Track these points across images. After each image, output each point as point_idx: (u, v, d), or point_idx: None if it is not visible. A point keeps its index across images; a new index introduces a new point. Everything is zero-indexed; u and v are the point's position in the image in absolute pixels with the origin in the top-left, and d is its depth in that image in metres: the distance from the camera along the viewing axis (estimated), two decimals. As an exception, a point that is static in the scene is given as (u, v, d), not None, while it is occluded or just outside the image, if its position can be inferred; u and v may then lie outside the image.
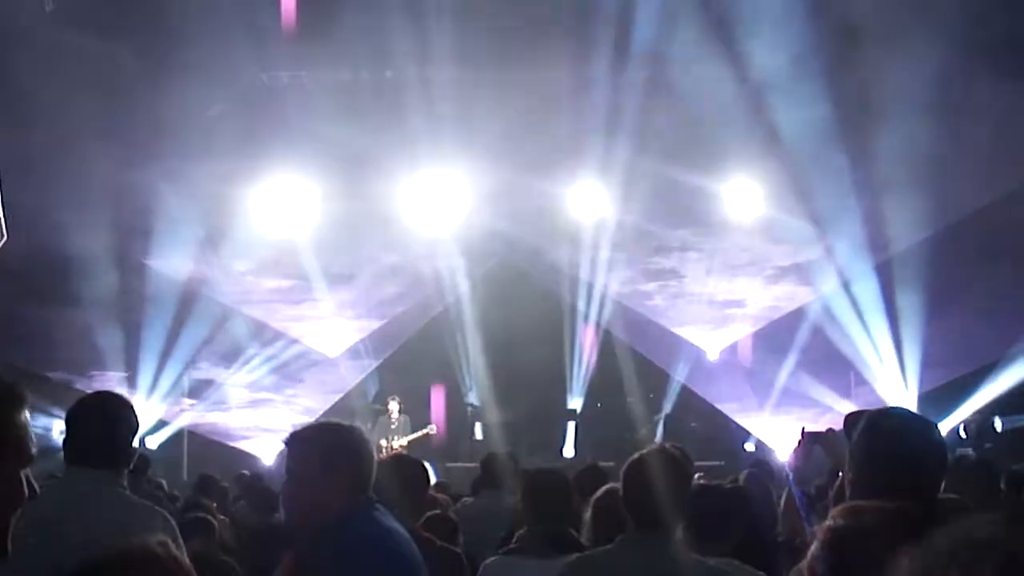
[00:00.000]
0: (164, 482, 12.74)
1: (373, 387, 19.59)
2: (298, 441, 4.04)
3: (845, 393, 17.90)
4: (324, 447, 3.99)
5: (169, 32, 14.14)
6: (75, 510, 4.11)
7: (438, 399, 19.65)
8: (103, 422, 4.44)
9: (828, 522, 2.65)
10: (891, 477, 3.18)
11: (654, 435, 17.47)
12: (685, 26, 14.61)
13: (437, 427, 17.72)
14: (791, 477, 5.96)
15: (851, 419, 3.54)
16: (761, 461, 13.84)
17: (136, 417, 4.62)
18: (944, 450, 3.45)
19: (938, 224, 16.34)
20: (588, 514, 5.34)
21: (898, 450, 3.27)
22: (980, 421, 16.81)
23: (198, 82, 14.15)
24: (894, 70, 14.63)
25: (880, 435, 3.35)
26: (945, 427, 17.10)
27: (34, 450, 2.19)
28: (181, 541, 4.35)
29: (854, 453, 3.39)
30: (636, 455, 4.31)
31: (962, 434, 16.90)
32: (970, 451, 15.34)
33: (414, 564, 3.95)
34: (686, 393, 19.11)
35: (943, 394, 17.27)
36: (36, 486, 2.20)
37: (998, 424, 16.59)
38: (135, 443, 4.67)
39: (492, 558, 5.14)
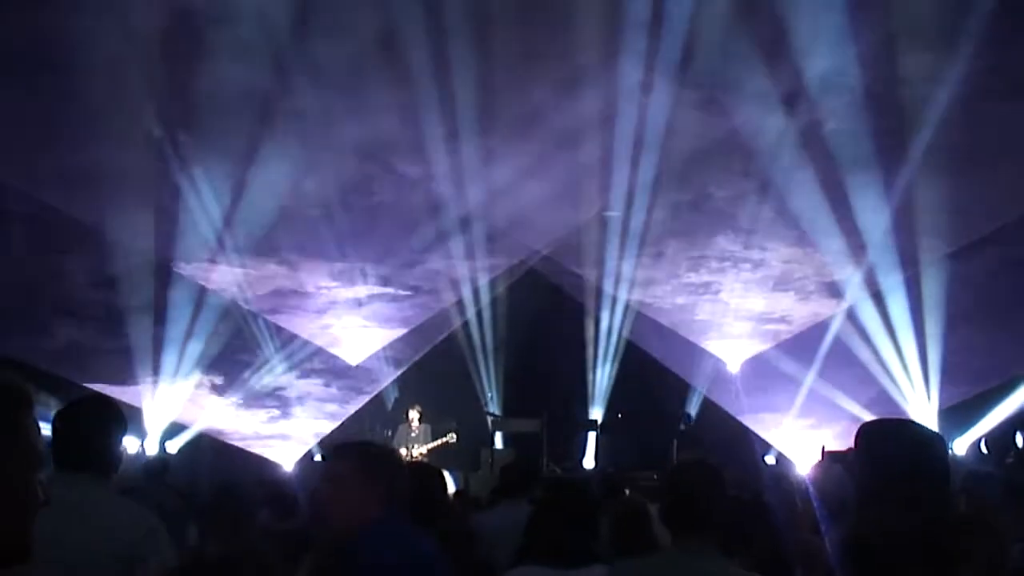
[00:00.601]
0: (182, 486, 12.79)
1: (394, 395, 19.63)
2: (341, 456, 4.41)
3: (868, 407, 17.83)
4: (364, 463, 4.29)
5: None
6: (62, 514, 4.03)
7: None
8: (89, 426, 4.47)
9: (847, 533, 2.66)
10: (893, 487, 3.18)
11: (672, 447, 17.44)
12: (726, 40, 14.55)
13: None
14: (811, 492, 5.96)
15: (860, 429, 3.54)
16: (780, 475, 13.85)
17: (123, 421, 4.63)
18: (946, 462, 3.43)
19: (962, 239, 16.37)
20: (607, 523, 5.35)
21: (898, 460, 3.27)
22: (1001, 436, 16.78)
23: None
24: (929, 85, 14.63)
25: (880, 445, 3.35)
26: (966, 442, 17.10)
27: (44, 454, 2.15)
28: (171, 544, 4.42)
29: (857, 463, 3.39)
30: (677, 465, 4.36)
31: (983, 449, 16.88)
32: (990, 468, 15.33)
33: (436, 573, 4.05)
34: (707, 404, 19.09)
35: (966, 409, 17.26)
36: (47, 493, 2.16)
37: (1019, 440, 16.55)
38: (121, 446, 4.69)
39: (518, 568, 5.14)
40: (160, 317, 17.58)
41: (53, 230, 16.10)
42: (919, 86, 14.62)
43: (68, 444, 4.41)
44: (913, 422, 3.67)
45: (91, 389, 16.36)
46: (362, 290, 18.73)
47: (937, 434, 3.54)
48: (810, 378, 18.39)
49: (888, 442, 3.35)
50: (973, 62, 13.75)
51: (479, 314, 19.25)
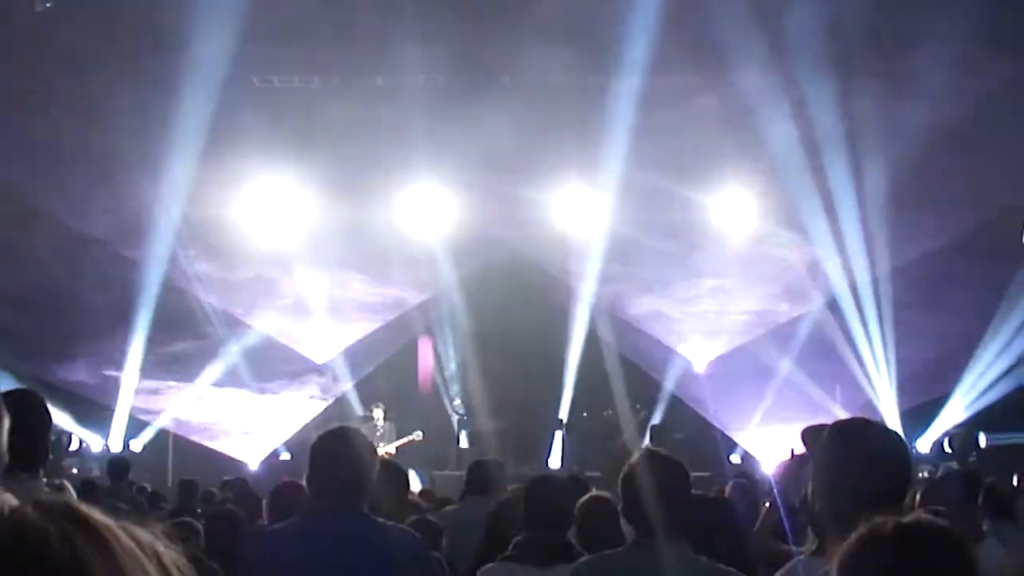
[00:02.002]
0: (148, 486, 12.73)
1: (360, 394, 19.56)
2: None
3: (833, 406, 17.93)
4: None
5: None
6: None
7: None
8: (14, 421, 4.36)
9: (849, 536, 2.65)
10: (854, 486, 3.18)
11: (639, 446, 17.46)
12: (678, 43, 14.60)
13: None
14: (776, 490, 5.98)
15: (809, 433, 3.52)
16: (745, 473, 13.89)
17: (48, 415, 4.52)
18: (908, 460, 3.43)
19: (926, 244, 16.61)
20: (576, 521, 5.35)
21: (859, 459, 3.25)
22: (964, 436, 16.93)
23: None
24: (887, 95, 14.79)
25: (841, 444, 3.33)
26: (929, 440, 17.24)
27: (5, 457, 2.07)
28: None
29: (818, 463, 3.39)
30: (637, 457, 4.31)
31: (947, 448, 17.04)
32: (954, 464, 15.47)
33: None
34: (674, 403, 19.13)
35: (929, 409, 17.43)
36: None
37: (982, 440, 16.71)
38: (49, 440, 4.55)
39: (490, 564, 5.13)
40: (122, 311, 17.53)
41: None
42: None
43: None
44: (871, 421, 3.67)
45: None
46: (329, 286, 18.73)
47: (892, 431, 3.55)
48: (777, 378, 18.49)
49: (849, 441, 3.34)
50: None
51: (447, 313, 19.25)
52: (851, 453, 3.25)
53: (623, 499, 4.21)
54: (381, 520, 4.38)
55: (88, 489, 9.79)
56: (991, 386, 17.04)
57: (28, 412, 4.34)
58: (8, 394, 4.62)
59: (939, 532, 2.40)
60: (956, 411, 17.31)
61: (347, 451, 4.35)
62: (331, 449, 4.38)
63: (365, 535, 4.19)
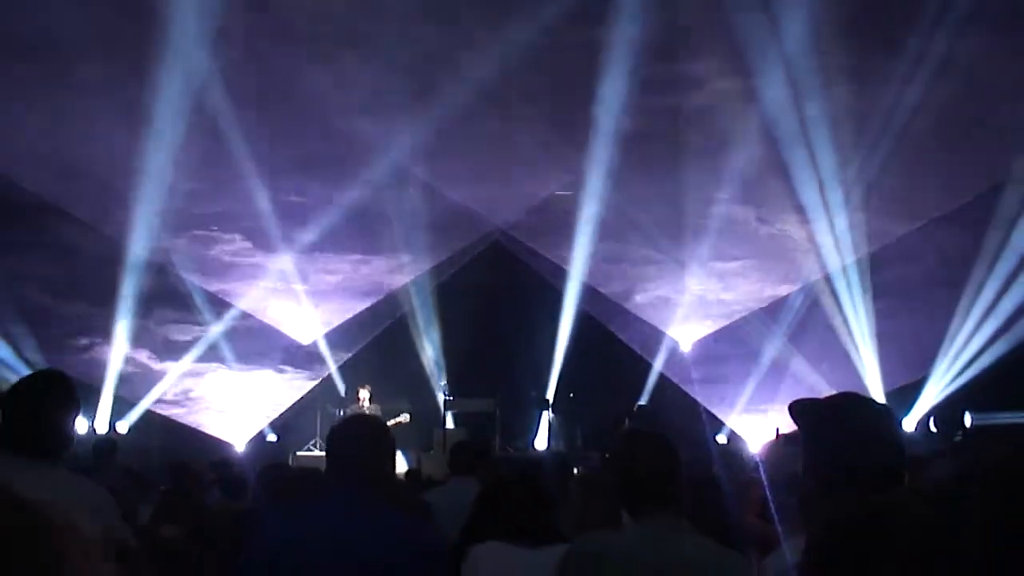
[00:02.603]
0: (132, 467, 12.70)
1: (346, 375, 19.56)
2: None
3: (821, 386, 18.00)
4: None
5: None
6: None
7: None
8: (40, 404, 4.20)
9: (828, 515, 2.64)
10: (849, 464, 3.15)
11: (623, 426, 17.50)
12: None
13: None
14: (761, 469, 5.98)
15: (797, 407, 3.46)
16: (729, 452, 13.96)
17: (75, 399, 4.34)
18: (902, 438, 3.37)
19: (914, 222, 16.71)
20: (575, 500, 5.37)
21: (854, 436, 3.20)
22: (950, 415, 16.99)
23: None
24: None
25: (835, 421, 3.28)
26: (914, 419, 17.32)
27: None
28: (121, 518, 4.26)
29: (810, 440, 3.36)
30: (629, 437, 4.29)
31: (932, 427, 17.10)
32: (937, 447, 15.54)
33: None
34: (661, 384, 19.17)
35: (914, 390, 17.52)
36: None
37: (968, 419, 16.76)
38: (74, 426, 4.36)
39: (482, 544, 5.14)
40: (106, 293, 17.52)
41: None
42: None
43: (15, 423, 4.16)
44: (865, 396, 3.62)
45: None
46: (314, 266, 18.73)
47: (885, 406, 3.50)
48: (764, 358, 18.56)
49: (830, 419, 3.31)
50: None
51: (432, 294, 19.25)
52: (846, 430, 3.22)
53: (617, 478, 4.20)
54: (401, 510, 4.38)
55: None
56: (970, 363, 17.16)
57: (44, 396, 4.26)
58: (28, 377, 4.53)
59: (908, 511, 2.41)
60: (936, 389, 17.40)
61: (366, 436, 4.36)
62: (351, 433, 4.38)
63: (384, 523, 4.18)
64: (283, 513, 4.43)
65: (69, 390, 4.35)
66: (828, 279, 17.86)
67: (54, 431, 4.22)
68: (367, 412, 16.50)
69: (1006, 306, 16.61)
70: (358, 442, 4.31)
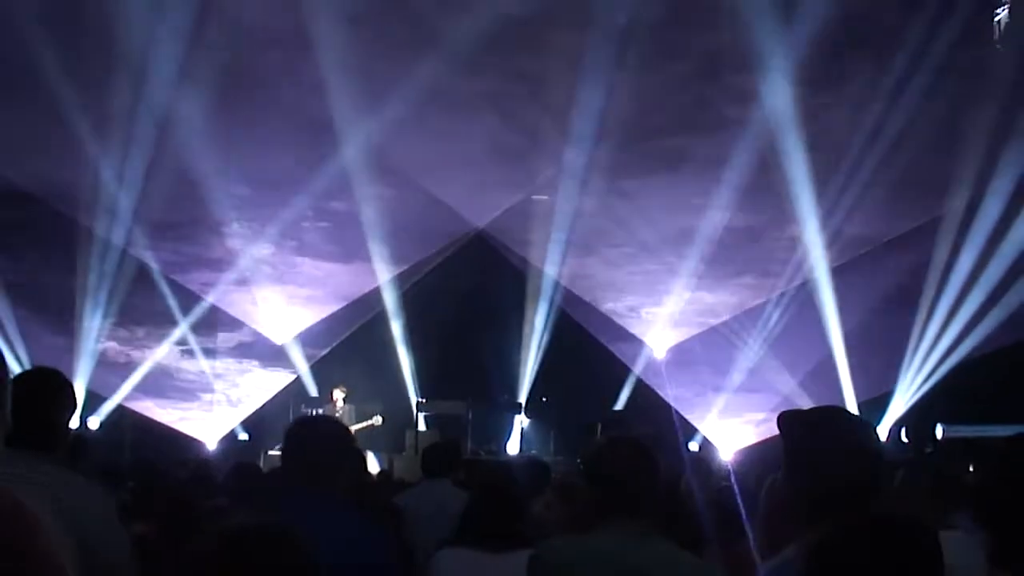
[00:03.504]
0: (105, 463, 12.63)
1: (318, 375, 19.52)
2: None
3: (795, 394, 18.06)
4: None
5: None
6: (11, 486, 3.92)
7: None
8: (40, 400, 4.13)
9: (814, 536, 2.65)
10: (828, 476, 3.16)
11: (596, 432, 17.51)
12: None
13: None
14: (733, 477, 5.99)
15: (781, 417, 3.47)
16: (699, 459, 13.94)
17: (74, 395, 4.35)
18: (880, 451, 3.36)
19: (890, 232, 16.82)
20: (548, 503, 5.36)
21: (832, 448, 3.20)
22: (921, 427, 17.08)
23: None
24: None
25: (814, 433, 3.29)
26: (884, 430, 17.39)
27: None
28: (116, 518, 4.22)
29: (790, 451, 3.35)
30: (606, 443, 4.28)
31: (903, 438, 17.18)
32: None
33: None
34: (635, 389, 19.19)
35: (885, 401, 17.59)
36: None
37: (939, 431, 16.86)
38: (72, 423, 4.39)
39: (444, 549, 5.14)
40: (74, 284, 17.48)
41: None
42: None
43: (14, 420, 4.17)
44: (838, 409, 3.64)
45: None
46: (288, 266, 18.70)
47: (867, 423, 3.51)
48: (740, 365, 18.61)
49: (816, 432, 3.31)
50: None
51: (405, 295, 19.21)
52: (826, 442, 3.23)
53: (590, 482, 4.19)
54: (352, 507, 4.38)
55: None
56: (932, 372, 17.28)
57: (38, 393, 4.19)
58: (23, 373, 4.49)
59: (911, 526, 2.43)
60: (902, 400, 17.50)
61: (318, 436, 4.36)
62: (303, 434, 4.39)
63: (336, 520, 4.17)
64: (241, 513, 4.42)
65: (70, 388, 4.35)
66: (804, 287, 17.90)
67: (57, 427, 4.20)
68: (341, 413, 16.49)
69: (962, 316, 16.78)
70: (310, 444, 4.32)
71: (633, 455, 4.13)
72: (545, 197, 17.74)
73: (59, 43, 14.05)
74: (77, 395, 4.42)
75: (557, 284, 18.69)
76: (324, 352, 19.61)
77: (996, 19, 14.73)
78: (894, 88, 14.57)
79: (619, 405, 18.73)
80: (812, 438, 3.27)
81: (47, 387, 4.27)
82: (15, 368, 14.09)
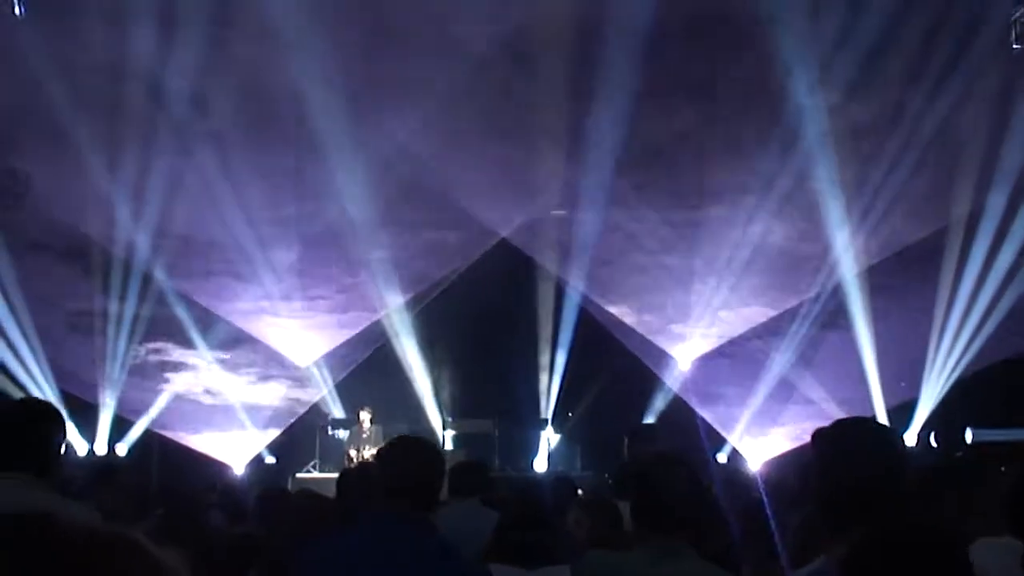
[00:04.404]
0: (133, 488, 12.65)
1: (343, 396, 19.50)
2: None
3: (823, 400, 17.97)
4: None
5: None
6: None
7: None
8: (25, 428, 4.32)
9: (843, 546, 2.65)
10: (853, 487, 3.16)
11: (624, 445, 17.42)
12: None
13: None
14: (762, 489, 5.95)
15: (817, 433, 3.47)
16: (732, 472, 13.91)
17: (62, 423, 4.48)
18: (902, 459, 3.37)
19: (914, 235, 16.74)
20: (576, 520, 5.35)
21: (852, 460, 3.21)
22: (950, 431, 16.98)
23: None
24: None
25: (835, 445, 3.30)
26: (913, 435, 17.28)
27: None
28: None
29: (816, 462, 3.35)
30: (648, 460, 4.30)
31: (932, 443, 17.08)
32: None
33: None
34: (661, 402, 19.11)
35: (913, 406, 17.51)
36: None
37: (969, 435, 16.76)
38: (62, 450, 4.49)
39: (490, 564, 5.14)
40: (107, 308, 17.56)
41: None
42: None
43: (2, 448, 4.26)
44: (868, 420, 3.63)
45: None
46: (310, 285, 18.72)
47: (892, 430, 3.51)
48: (768, 375, 18.52)
49: (844, 445, 3.31)
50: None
51: (427, 313, 19.19)
52: (853, 455, 3.23)
53: (633, 499, 4.21)
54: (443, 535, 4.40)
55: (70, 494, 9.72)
56: (960, 374, 17.20)
57: (33, 420, 4.37)
58: (15, 403, 4.61)
59: (940, 534, 2.42)
60: (930, 403, 17.40)
61: (415, 458, 4.38)
62: (400, 455, 4.41)
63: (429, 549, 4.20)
64: (327, 537, 4.46)
65: (57, 416, 4.47)
66: (833, 293, 17.80)
67: (45, 454, 4.32)
68: (368, 434, 16.50)
69: (996, 318, 16.69)
70: (413, 464, 4.35)
71: (674, 473, 4.15)
72: (563, 212, 17.72)
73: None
74: (63, 422, 4.50)
75: (582, 297, 18.63)
76: (347, 373, 19.58)
77: (1013, 19, 14.69)
78: (924, 94, 14.55)
79: (646, 418, 18.64)
80: (839, 450, 3.27)
81: (29, 415, 4.38)
82: (50, 396, 14.25)
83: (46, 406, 4.56)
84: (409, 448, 4.51)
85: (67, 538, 1.34)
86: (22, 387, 16.45)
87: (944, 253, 16.70)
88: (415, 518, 4.21)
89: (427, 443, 4.60)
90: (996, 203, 15.97)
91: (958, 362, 17.08)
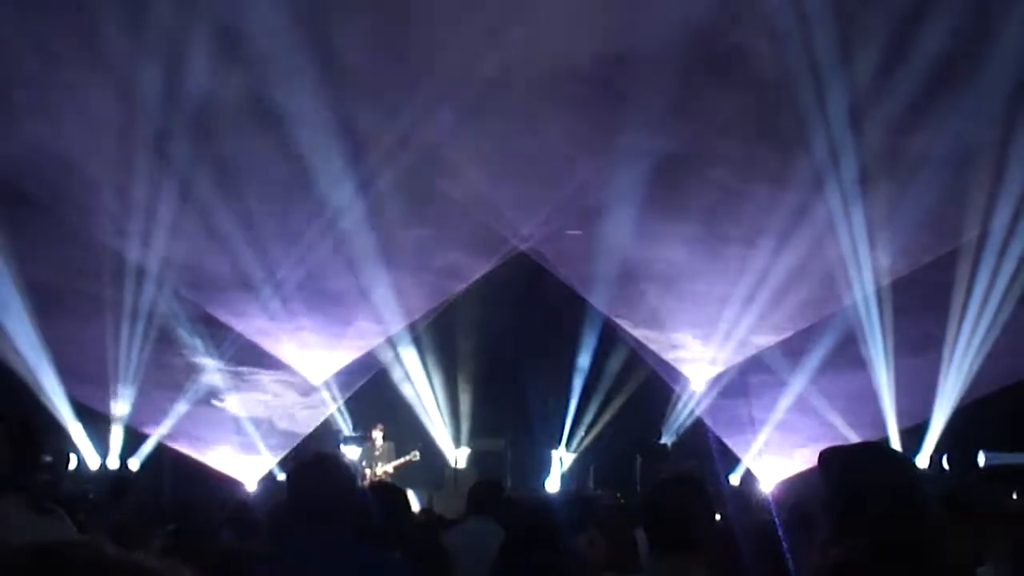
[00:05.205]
0: (146, 503, 12.67)
1: (355, 413, 19.52)
2: None
3: (836, 422, 17.92)
4: None
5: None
6: None
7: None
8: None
9: (825, 560, 2.66)
10: (860, 510, 3.17)
11: (636, 465, 17.43)
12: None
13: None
14: (773, 510, 5.95)
15: (822, 454, 3.50)
16: (743, 494, 13.90)
17: (38, 439, 4.53)
18: (911, 486, 3.38)
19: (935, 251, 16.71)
20: (592, 541, 5.35)
21: (859, 486, 3.24)
22: (963, 454, 16.93)
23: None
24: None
25: (843, 471, 3.33)
26: (925, 457, 17.22)
27: None
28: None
29: (824, 489, 3.36)
30: (662, 482, 4.31)
31: (945, 465, 17.02)
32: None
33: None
34: (674, 422, 19.09)
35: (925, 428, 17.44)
36: None
37: (981, 458, 16.69)
38: (38, 464, 4.57)
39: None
40: (120, 322, 17.58)
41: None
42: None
43: None
44: (876, 444, 3.65)
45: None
46: (323, 301, 18.73)
47: (901, 454, 3.53)
48: (782, 395, 18.48)
49: (854, 468, 3.32)
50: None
51: (440, 331, 19.21)
52: (864, 481, 3.24)
53: (647, 517, 4.22)
54: (365, 546, 4.38)
55: (83, 511, 9.76)
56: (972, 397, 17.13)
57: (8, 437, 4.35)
58: None
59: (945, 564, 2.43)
60: (942, 426, 17.34)
61: (324, 480, 4.37)
62: (308, 478, 4.40)
63: (345, 560, 4.20)
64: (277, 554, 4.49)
65: (33, 432, 4.51)
66: (845, 315, 17.75)
67: (20, 470, 4.35)
68: (380, 451, 16.51)
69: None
70: (318, 483, 4.35)
71: (689, 495, 4.16)
72: (579, 232, 17.71)
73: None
74: (39, 438, 4.56)
75: (596, 316, 18.61)
76: (359, 390, 19.58)
77: None
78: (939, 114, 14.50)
79: (660, 439, 18.63)
80: (850, 475, 3.29)
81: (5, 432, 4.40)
82: (63, 407, 14.28)
83: (18, 422, 4.54)
84: (318, 469, 4.50)
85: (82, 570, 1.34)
86: (34, 397, 16.46)
87: (956, 273, 16.62)
88: (334, 539, 4.21)
89: (335, 461, 4.57)
90: (1008, 223, 15.92)
91: (971, 384, 17.02)
